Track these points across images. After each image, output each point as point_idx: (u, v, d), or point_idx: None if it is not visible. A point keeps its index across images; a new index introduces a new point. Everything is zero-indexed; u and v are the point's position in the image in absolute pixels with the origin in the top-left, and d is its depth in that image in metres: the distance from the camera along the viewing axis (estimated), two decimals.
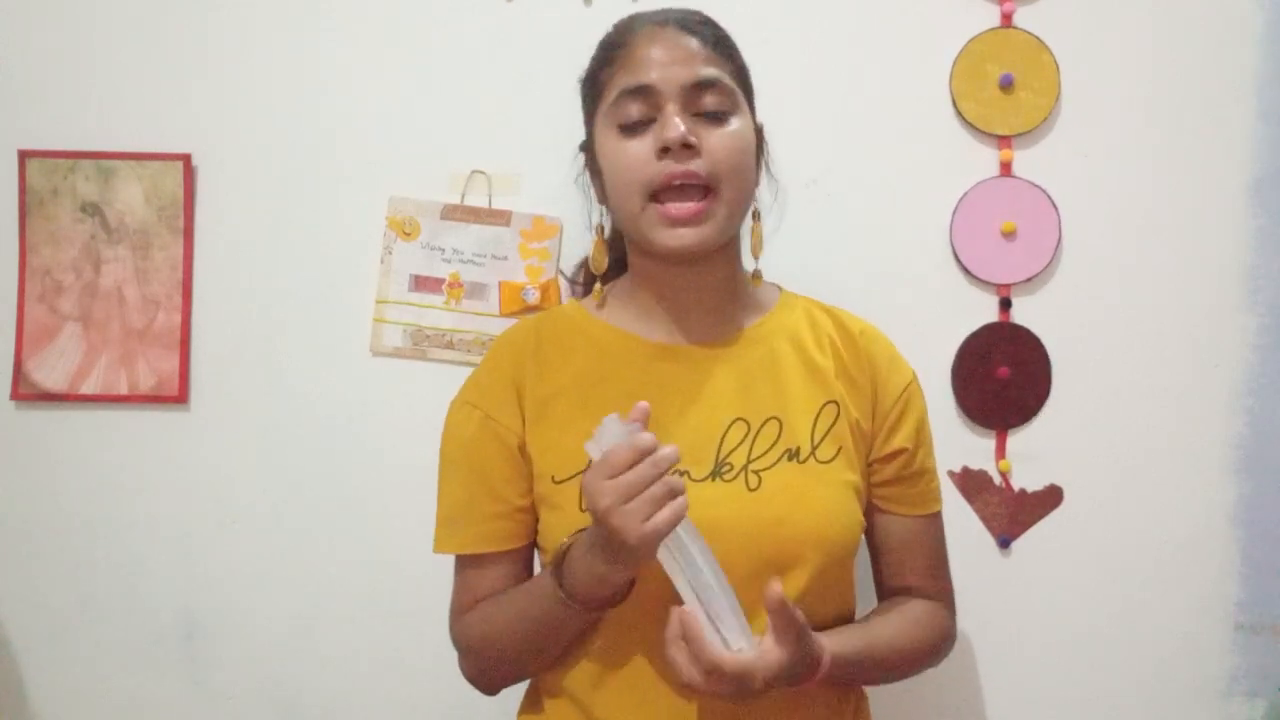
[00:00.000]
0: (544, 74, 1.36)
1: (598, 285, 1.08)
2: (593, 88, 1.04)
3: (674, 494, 0.85)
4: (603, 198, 1.07)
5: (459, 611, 1.05)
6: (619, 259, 1.11)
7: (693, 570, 0.88)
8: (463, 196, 1.38)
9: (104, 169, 1.37)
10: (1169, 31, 1.34)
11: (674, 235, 0.97)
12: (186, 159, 1.37)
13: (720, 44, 1.02)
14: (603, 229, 1.10)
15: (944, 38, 1.35)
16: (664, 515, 0.84)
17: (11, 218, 1.38)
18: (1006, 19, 1.34)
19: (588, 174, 1.10)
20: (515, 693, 1.21)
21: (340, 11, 1.37)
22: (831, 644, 0.95)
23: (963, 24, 1.35)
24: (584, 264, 1.25)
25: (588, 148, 1.08)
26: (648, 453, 0.84)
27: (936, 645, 1.09)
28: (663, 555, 0.87)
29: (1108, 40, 1.34)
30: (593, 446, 0.88)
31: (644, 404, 0.88)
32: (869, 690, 1.13)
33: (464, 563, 1.06)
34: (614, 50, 1.01)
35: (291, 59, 1.38)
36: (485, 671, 1.05)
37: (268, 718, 1.40)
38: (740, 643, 0.88)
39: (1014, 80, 1.33)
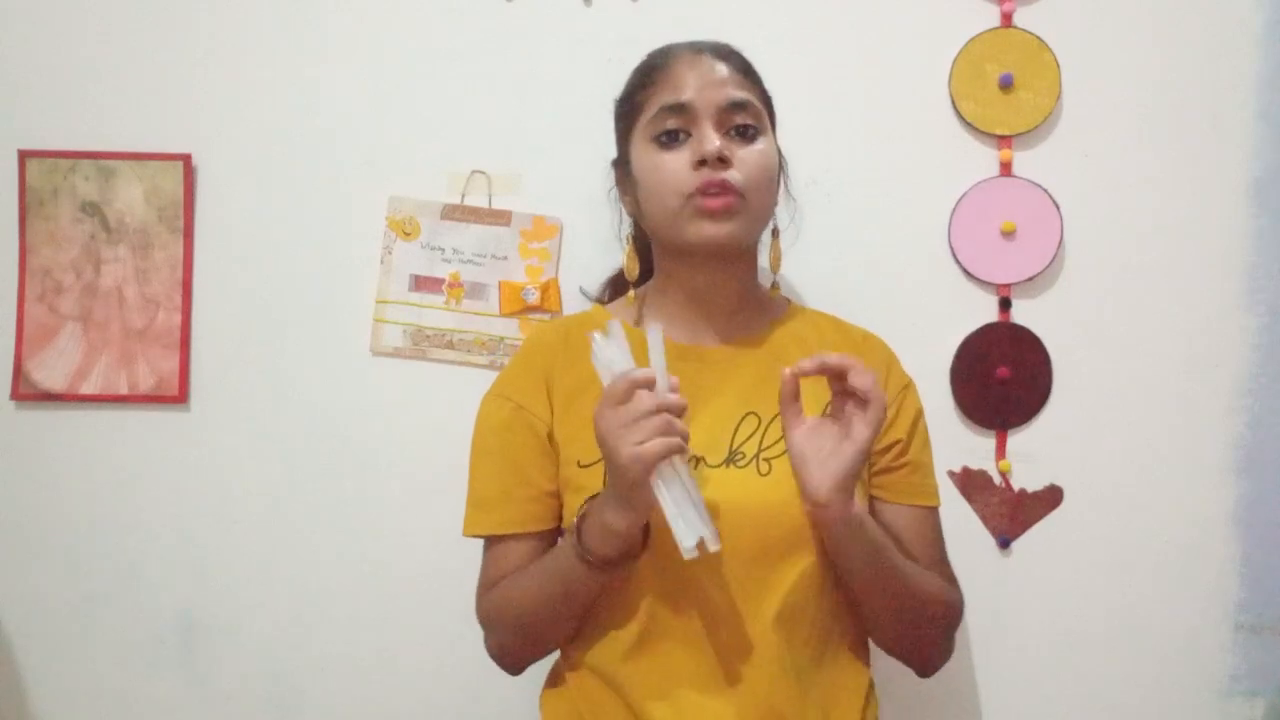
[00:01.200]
0: (544, 74, 1.37)
1: (630, 292, 1.16)
2: (630, 107, 1.12)
3: (670, 429, 0.92)
4: (634, 210, 1.15)
5: (485, 589, 1.11)
6: (644, 270, 1.19)
7: (677, 492, 0.95)
8: (463, 196, 1.38)
9: (104, 169, 1.37)
10: (1169, 31, 1.34)
11: (707, 227, 1.05)
12: (186, 159, 1.37)
13: (749, 72, 1.12)
14: (633, 239, 1.18)
15: (944, 38, 1.35)
16: (656, 443, 0.91)
17: (11, 218, 1.38)
18: (1006, 19, 1.34)
19: (618, 189, 1.18)
20: (517, 693, 1.21)
21: (340, 12, 1.38)
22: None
23: (963, 24, 1.35)
24: (610, 282, 1.30)
25: (620, 164, 1.16)
26: (644, 385, 0.93)
27: (945, 604, 1.10)
28: (657, 490, 0.94)
29: (1108, 40, 1.34)
30: (594, 357, 0.98)
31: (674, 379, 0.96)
32: (876, 694, 1.13)
33: (494, 544, 1.11)
34: (653, 73, 1.10)
35: (291, 59, 1.38)
36: (504, 644, 1.11)
37: (268, 718, 1.40)
38: (712, 538, 0.95)
39: (1014, 80, 1.33)
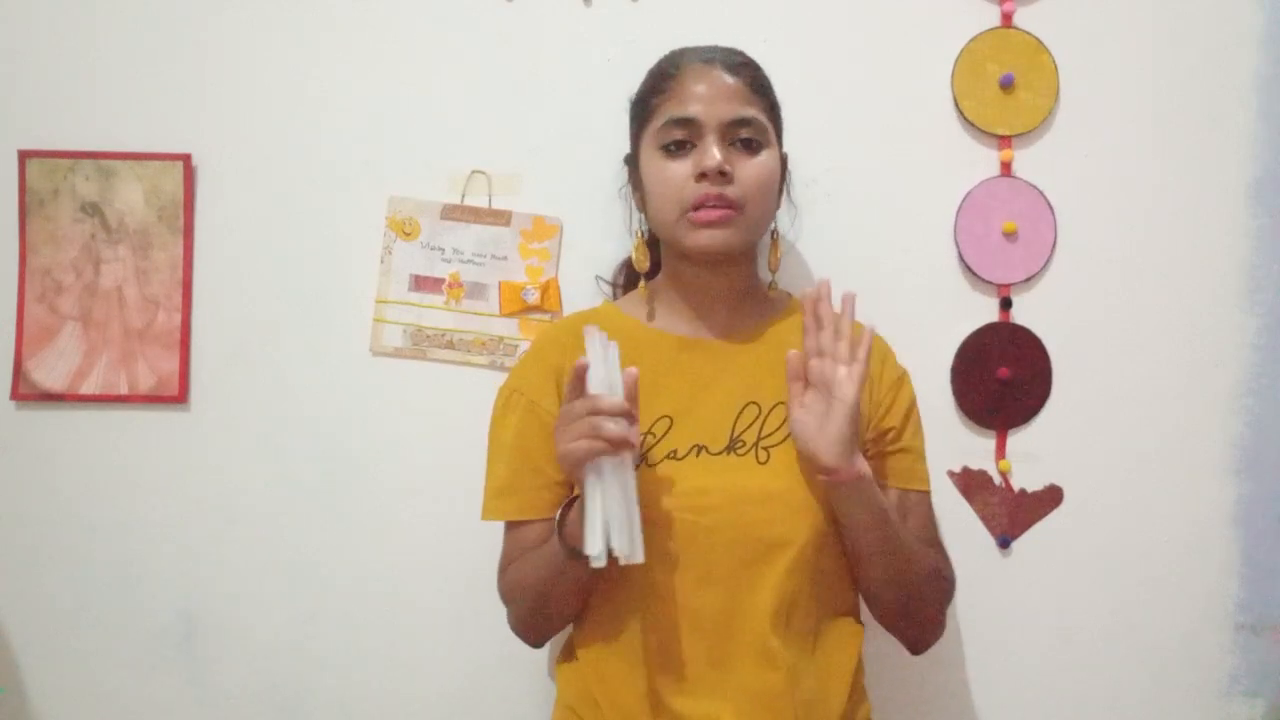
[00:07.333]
0: (544, 74, 1.37)
1: (642, 283, 1.22)
2: (642, 111, 1.17)
3: (596, 432, 0.96)
4: (642, 206, 1.21)
5: (502, 570, 1.19)
6: (653, 263, 1.23)
7: (606, 488, 0.98)
8: (463, 196, 1.38)
9: (104, 169, 1.37)
10: (1169, 32, 1.34)
11: (703, 236, 1.12)
12: (186, 159, 1.37)
13: (757, 85, 1.15)
14: (642, 234, 1.23)
15: (944, 38, 1.35)
16: (580, 444, 0.97)
17: (11, 218, 1.38)
18: (1006, 19, 1.34)
19: (630, 185, 1.23)
20: (519, 694, 1.21)
21: (340, 12, 1.38)
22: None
23: (963, 24, 1.35)
24: (623, 266, 1.34)
25: (632, 161, 1.21)
26: (595, 398, 0.99)
27: (941, 577, 1.17)
28: (588, 490, 0.99)
29: (1108, 40, 1.34)
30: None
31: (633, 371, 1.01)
32: (867, 690, 1.13)
33: (511, 528, 1.18)
34: (665, 80, 1.15)
35: (292, 59, 1.38)
36: (518, 618, 1.18)
37: (268, 718, 1.40)
38: (626, 550, 0.98)
39: (1014, 80, 1.33)
